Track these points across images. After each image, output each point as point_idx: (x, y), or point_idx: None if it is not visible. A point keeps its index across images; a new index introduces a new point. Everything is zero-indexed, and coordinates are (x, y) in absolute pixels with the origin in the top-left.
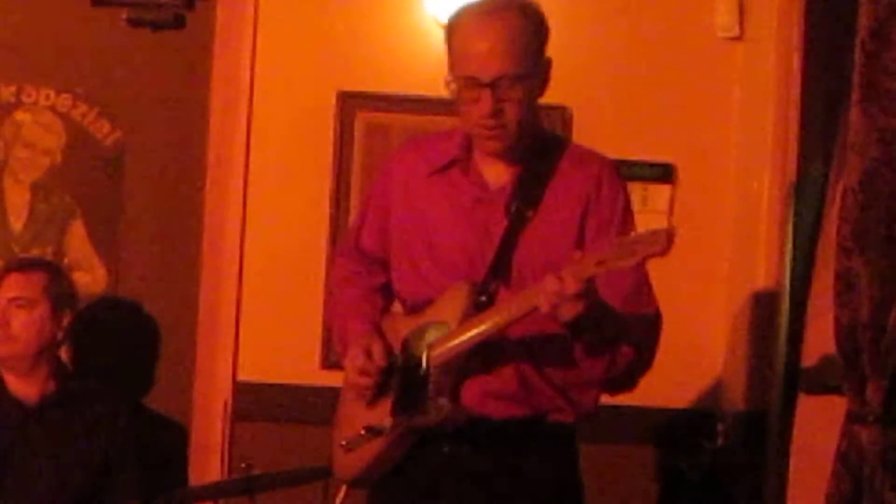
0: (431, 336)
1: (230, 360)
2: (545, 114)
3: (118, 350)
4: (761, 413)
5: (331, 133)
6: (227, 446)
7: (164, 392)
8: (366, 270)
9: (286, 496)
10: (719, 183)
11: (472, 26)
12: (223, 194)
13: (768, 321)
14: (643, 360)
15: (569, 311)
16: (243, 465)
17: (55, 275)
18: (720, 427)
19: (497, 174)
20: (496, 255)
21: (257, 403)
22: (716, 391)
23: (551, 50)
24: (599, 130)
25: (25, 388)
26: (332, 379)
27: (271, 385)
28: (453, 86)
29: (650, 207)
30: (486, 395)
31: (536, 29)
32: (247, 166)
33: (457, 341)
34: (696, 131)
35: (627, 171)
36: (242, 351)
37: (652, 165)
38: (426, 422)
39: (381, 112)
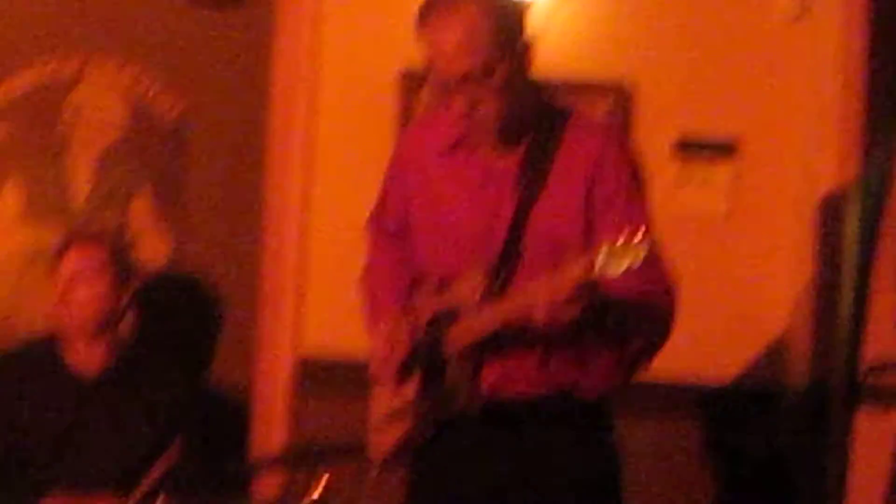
0: (450, 320)
1: (292, 334)
2: (606, 91)
3: (180, 323)
4: (824, 389)
5: (393, 111)
6: (289, 420)
7: (226, 365)
8: (392, 243)
9: (349, 470)
10: (782, 159)
11: (432, 27)
12: (286, 167)
13: (831, 296)
14: (655, 343)
15: (563, 316)
16: (305, 438)
17: (117, 248)
18: (782, 403)
19: (502, 154)
20: (507, 236)
21: (320, 377)
22: (778, 367)
23: (614, 28)
24: (661, 108)
25: (85, 362)
26: None
27: (334, 358)
28: (430, 85)
29: (712, 185)
30: (507, 376)
31: (501, 15)
32: (309, 138)
33: (470, 329)
34: (759, 108)
35: (690, 149)
36: (305, 324)
37: (714, 142)
38: (444, 410)
39: None
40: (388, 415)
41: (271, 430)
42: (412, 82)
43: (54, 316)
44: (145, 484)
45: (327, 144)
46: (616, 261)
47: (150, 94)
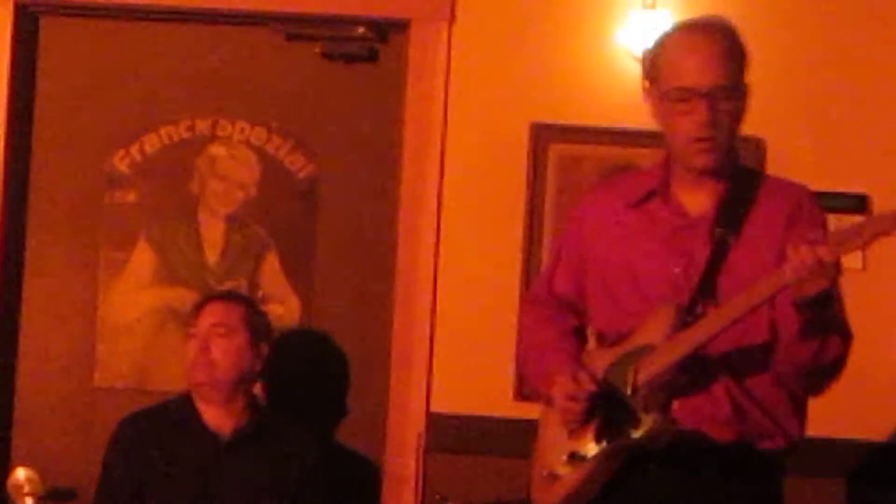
0: (636, 357)
1: (423, 392)
2: (740, 145)
3: (312, 382)
4: None
5: (524, 165)
6: (420, 478)
7: (357, 424)
8: (558, 314)
9: None
10: None
11: (687, 39)
12: (416, 226)
13: None
14: (843, 358)
15: (817, 285)
16: (437, 496)
17: (253, 307)
18: None
19: (697, 202)
20: (702, 278)
21: (450, 435)
22: None
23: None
24: (793, 161)
25: (220, 421)
26: (526, 411)
27: (465, 417)
28: (661, 103)
29: None
30: (698, 419)
31: (741, 51)
32: (440, 198)
33: (666, 355)
34: (890, 161)
35: (821, 203)
36: (436, 382)
37: (846, 196)
38: (636, 438)
39: (574, 144)
40: (563, 460)
41: (402, 488)
42: (543, 134)
43: (191, 373)
44: None
45: (459, 200)
46: (857, 232)
47: (282, 152)
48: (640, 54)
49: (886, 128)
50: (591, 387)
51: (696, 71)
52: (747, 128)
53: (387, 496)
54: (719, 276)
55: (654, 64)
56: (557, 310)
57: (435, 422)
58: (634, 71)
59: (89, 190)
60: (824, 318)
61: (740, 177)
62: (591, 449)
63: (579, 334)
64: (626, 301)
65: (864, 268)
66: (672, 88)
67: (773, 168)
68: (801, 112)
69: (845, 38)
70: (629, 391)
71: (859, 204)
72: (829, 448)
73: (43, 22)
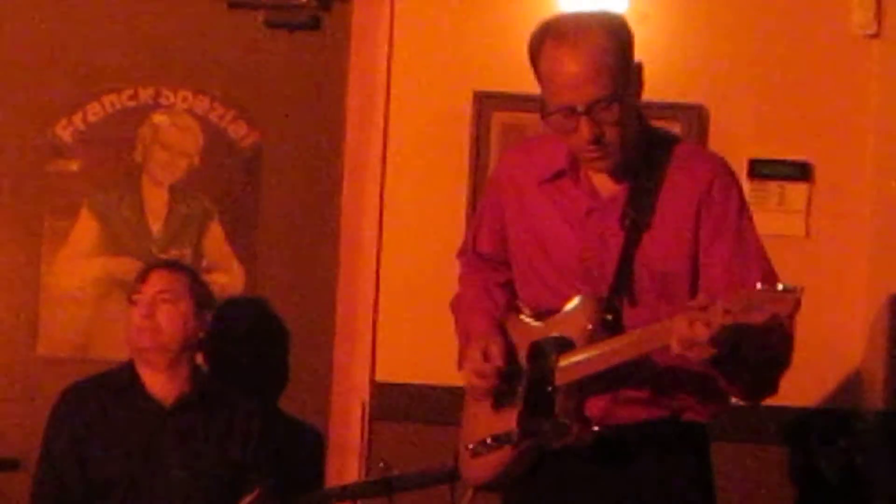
0: (557, 350)
1: (368, 361)
2: (681, 112)
3: (255, 351)
4: None
5: (467, 133)
6: (364, 447)
7: (301, 393)
8: (485, 267)
9: (424, 497)
10: (857, 180)
11: (557, 53)
12: (360, 195)
13: None
14: (782, 369)
15: (700, 354)
16: (381, 464)
17: (196, 277)
18: (859, 426)
19: (608, 183)
20: (617, 268)
21: (395, 404)
22: (854, 390)
23: (688, 50)
24: (736, 129)
25: (163, 389)
26: None
27: (409, 385)
28: (550, 114)
29: (787, 206)
30: (617, 403)
31: (621, 41)
32: (383, 167)
33: (583, 365)
34: (833, 129)
35: (764, 170)
36: (380, 351)
37: (789, 164)
38: (551, 442)
39: (517, 112)
40: (487, 441)
41: (346, 457)
42: (487, 103)
43: (135, 338)
44: None
45: (402, 169)
46: (757, 306)
47: (225, 121)
48: None
49: (829, 95)
50: (499, 363)
51: (571, 89)
52: (690, 96)
53: (331, 465)
54: (633, 264)
55: (535, 70)
56: (483, 264)
57: (379, 391)
58: None
59: (32, 159)
60: (739, 367)
61: (651, 149)
62: (513, 436)
63: (506, 288)
64: (543, 273)
65: (807, 234)
66: (552, 106)
67: (716, 136)
68: (743, 80)
69: (786, 5)
70: (549, 387)
71: (802, 171)
72: (773, 414)
73: None
